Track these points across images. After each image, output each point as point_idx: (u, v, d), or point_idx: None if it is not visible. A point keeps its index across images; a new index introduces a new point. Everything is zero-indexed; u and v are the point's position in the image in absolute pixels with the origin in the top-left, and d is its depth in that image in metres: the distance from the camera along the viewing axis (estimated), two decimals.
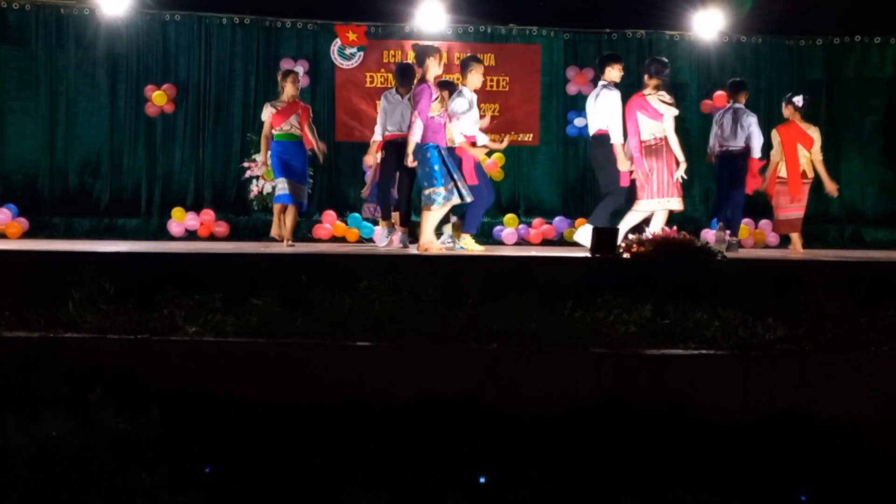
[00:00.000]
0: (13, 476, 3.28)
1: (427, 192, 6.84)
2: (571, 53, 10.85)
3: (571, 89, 10.66)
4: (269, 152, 7.94)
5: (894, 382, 4.02)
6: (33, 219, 9.69)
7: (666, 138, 7.15)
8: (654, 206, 7.22)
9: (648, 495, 3.56)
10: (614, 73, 7.38)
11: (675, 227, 6.92)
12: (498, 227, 10.29)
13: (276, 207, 8.15)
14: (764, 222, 10.11)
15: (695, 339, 4.26)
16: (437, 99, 6.84)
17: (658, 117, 7.16)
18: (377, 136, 8.13)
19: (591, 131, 7.51)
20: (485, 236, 10.39)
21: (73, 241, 9.03)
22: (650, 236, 5.77)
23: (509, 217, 10.34)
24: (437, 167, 6.79)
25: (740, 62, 10.76)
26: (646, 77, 7.36)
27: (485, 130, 7.89)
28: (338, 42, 10.50)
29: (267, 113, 7.96)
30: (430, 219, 6.89)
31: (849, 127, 10.86)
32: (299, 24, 10.54)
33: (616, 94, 7.28)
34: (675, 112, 7.27)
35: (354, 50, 10.51)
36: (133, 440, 3.50)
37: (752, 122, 8.08)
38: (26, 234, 9.42)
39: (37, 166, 10.08)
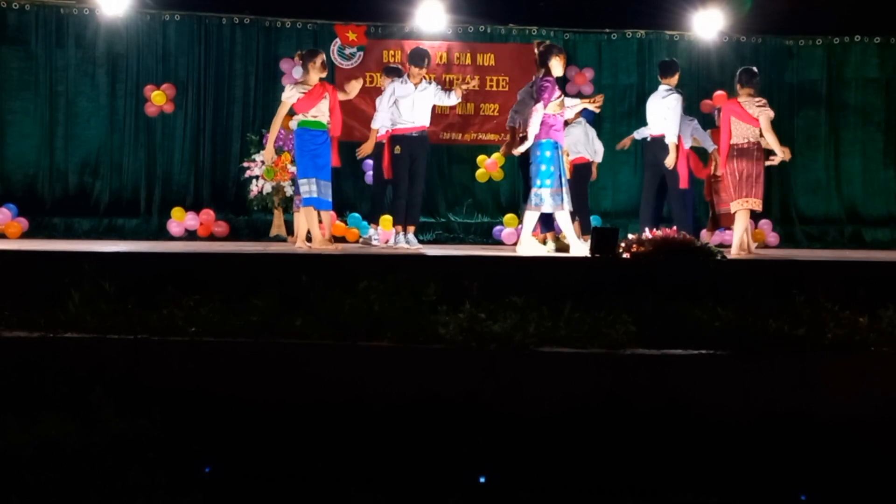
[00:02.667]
0: (13, 476, 3.28)
1: (534, 190, 6.88)
2: (571, 53, 10.84)
3: (571, 89, 10.66)
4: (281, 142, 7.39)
5: (894, 382, 4.02)
6: (33, 219, 9.69)
7: (759, 142, 7.36)
8: (737, 206, 7.37)
9: (648, 495, 3.56)
10: (676, 79, 7.79)
11: (675, 228, 6.92)
12: (498, 227, 10.29)
13: (310, 213, 7.16)
14: (764, 222, 10.12)
15: (695, 339, 4.25)
16: (558, 98, 6.83)
17: (751, 121, 7.32)
18: (376, 125, 7.92)
19: (655, 132, 7.81)
20: (484, 236, 10.41)
21: (73, 241, 9.02)
22: (649, 236, 5.76)
23: (509, 217, 10.33)
24: (552, 168, 6.82)
25: (740, 62, 10.71)
26: (738, 86, 7.51)
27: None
28: (338, 42, 10.50)
29: (293, 94, 7.03)
30: (529, 219, 6.97)
31: (849, 127, 10.86)
32: (299, 24, 10.54)
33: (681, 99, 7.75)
34: (771, 114, 7.42)
35: (354, 50, 10.51)
36: (133, 440, 3.51)
37: (696, 123, 8.50)
38: (26, 234, 9.42)
39: (37, 166, 10.08)
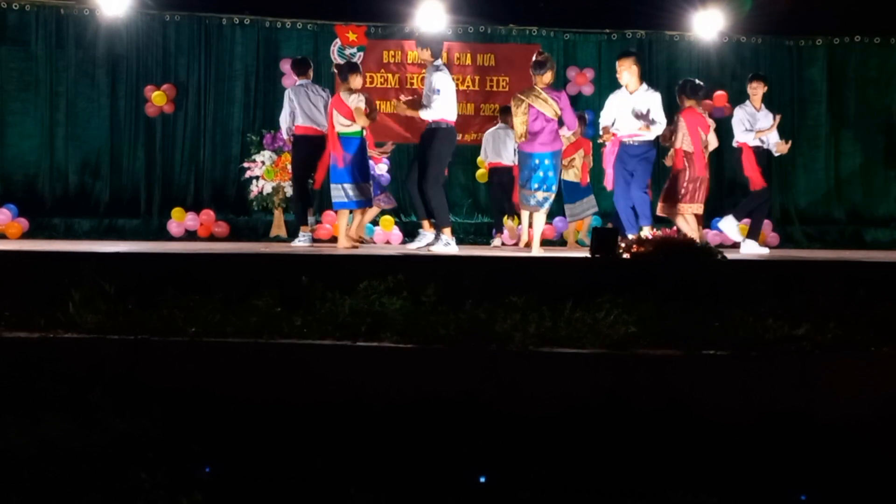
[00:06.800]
0: (13, 476, 3.28)
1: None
2: (571, 54, 10.87)
3: (571, 90, 10.66)
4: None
5: (894, 382, 4.02)
6: (33, 219, 9.69)
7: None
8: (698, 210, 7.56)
9: (648, 495, 3.55)
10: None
11: (675, 228, 6.93)
12: None
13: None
14: (764, 222, 10.09)
15: (695, 339, 4.25)
16: None
17: (707, 130, 7.55)
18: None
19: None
20: (484, 236, 10.40)
21: (73, 241, 9.02)
22: (649, 236, 5.76)
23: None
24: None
25: (740, 62, 10.77)
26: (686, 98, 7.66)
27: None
28: (338, 42, 10.51)
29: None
30: None
31: (849, 127, 10.87)
32: (299, 24, 10.55)
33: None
34: None
35: (354, 50, 10.52)
36: (133, 440, 3.50)
37: None
38: (26, 235, 9.42)
39: (37, 167, 10.09)
